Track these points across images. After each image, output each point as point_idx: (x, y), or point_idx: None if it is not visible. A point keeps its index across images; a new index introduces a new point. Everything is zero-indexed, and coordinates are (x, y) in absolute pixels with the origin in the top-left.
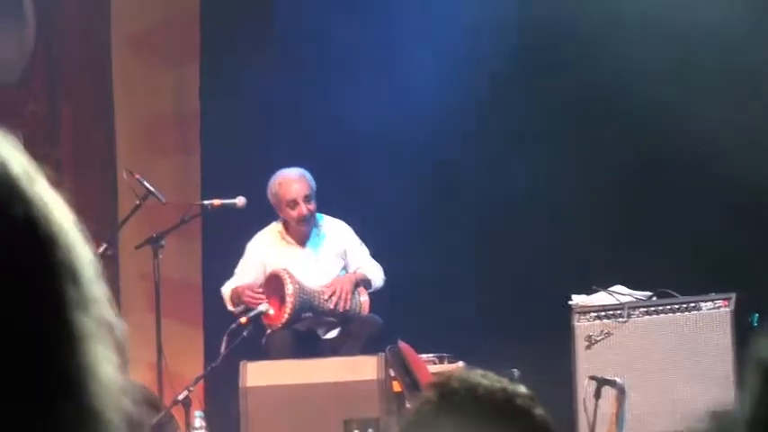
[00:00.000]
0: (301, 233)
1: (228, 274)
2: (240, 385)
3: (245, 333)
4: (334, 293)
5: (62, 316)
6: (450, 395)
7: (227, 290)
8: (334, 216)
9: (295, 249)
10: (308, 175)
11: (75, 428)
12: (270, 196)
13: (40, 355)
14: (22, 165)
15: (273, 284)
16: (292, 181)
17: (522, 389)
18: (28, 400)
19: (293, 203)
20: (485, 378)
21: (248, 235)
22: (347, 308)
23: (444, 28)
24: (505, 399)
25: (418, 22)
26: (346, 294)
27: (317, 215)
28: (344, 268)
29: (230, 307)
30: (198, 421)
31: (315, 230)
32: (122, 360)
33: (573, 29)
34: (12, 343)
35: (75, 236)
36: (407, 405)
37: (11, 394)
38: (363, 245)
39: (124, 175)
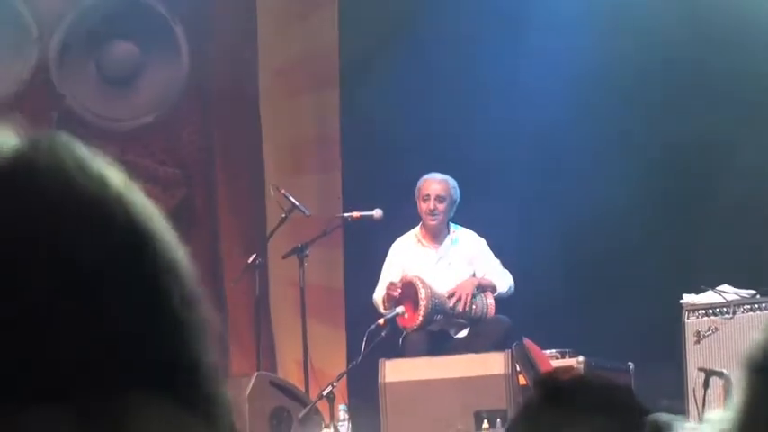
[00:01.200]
0: (435, 236)
1: (368, 279)
2: (379, 381)
3: (382, 334)
4: (455, 295)
5: (171, 311)
6: (559, 389)
7: (378, 296)
8: (471, 227)
9: (429, 252)
10: (452, 182)
11: (193, 413)
12: (415, 190)
13: (157, 345)
14: (119, 177)
15: (408, 291)
16: (434, 180)
17: (627, 384)
18: (150, 385)
19: (426, 197)
20: (596, 372)
21: (385, 244)
22: (467, 309)
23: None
24: (610, 393)
25: (544, 45)
26: (467, 296)
27: (453, 225)
28: (474, 273)
29: (382, 310)
30: (342, 414)
31: (448, 237)
32: (222, 351)
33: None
34: (130, 333)
35: (174, 240)
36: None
37: (134, 381)
38: (493, 255)
39: (271, 192)
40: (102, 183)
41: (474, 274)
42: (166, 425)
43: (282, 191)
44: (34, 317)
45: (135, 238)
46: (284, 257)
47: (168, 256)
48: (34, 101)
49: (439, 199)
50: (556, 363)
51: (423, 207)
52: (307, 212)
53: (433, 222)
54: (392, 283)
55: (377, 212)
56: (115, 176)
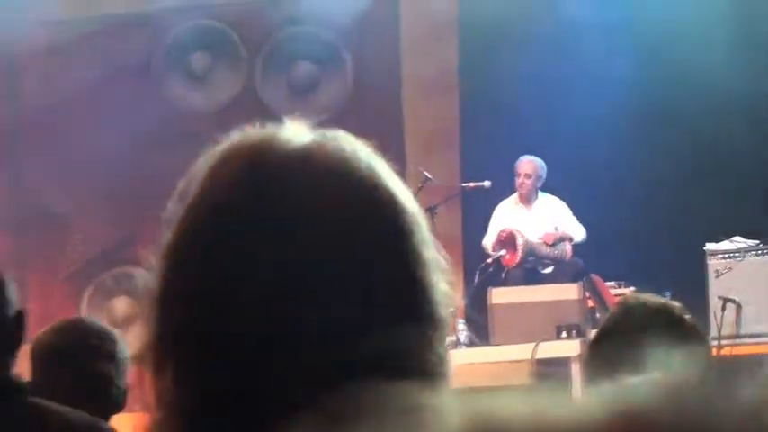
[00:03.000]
0: (526, 200)
1: (479, 231)
2: (488, 303)
3: (490, 270)
4: (543, 242)
5: (423, 264)
6: (630, 309)
7: (487, 242)
8: (556, 194)
9: (523, 211)
10: (539, 163)
11: (442, 340)
12: (514, 167)
13: (420, 292)
14: (379, 161)
15: (509, 239)
16: (526, 162)
17: (677, 303)
18: (421, 321)
19: (519, 175)
20: (651, 297)
21: (491, 205)
22: (555, 254)
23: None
24: (666, 310)
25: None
26: (551, 244)
27: (541, 192)
28: (556, 228)
29: (490, 253)
30: (460, 326)
31: (537, 200)
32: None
33: None
34: (400, 285)
35: (413, 200)
36: (597, 315)
37: (411, 317)
38: (570, 213)
39: (411, 169)
40: (368, 165)
41: (556, 228)
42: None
43: (419, 168)
44: (367, 270)
45: (395, 207)
46: None
47: (422, 230)
48: (243, 104)
49: (527, 176)
50: (614, 291)
51: (517, 181)
52: (438, 183)
53: (523, 192)
54: (498, 233)
55: (486, 183)
56: (376, 161)
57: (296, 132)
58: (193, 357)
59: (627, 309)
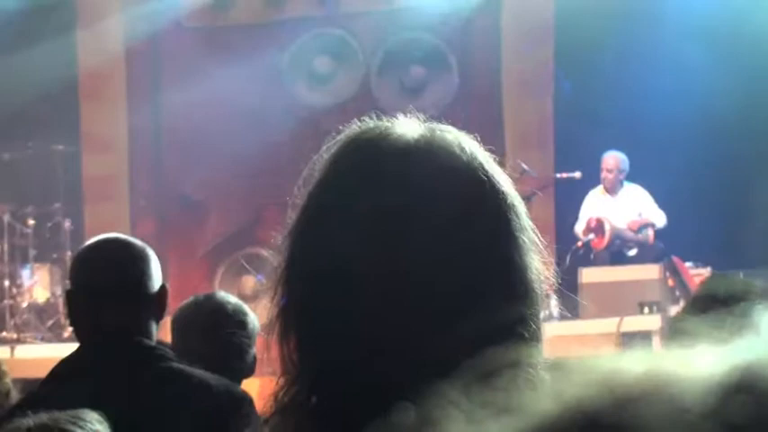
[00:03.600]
0: (612, 190)
1: (569, 215)
2: (578, 282)
3: (580, 252)
4: (628, 228)
5: (520, 246)
6: (717, 286)
7: (578, 228)
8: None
9: (609, 199)
10: (621, 157)
11: (537, 313)
12: (601, 161)
13: (516, 272)
14: (482, 152)
15: (598, 224)
16: (611, 156)
17: (754, 282)
18: (516, 297)
19: (603, 170)
20: (737, 277)
21: (581, 194)
22: (638, 238)
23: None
24: (752, 288)
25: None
26: (636, 229)
27: (627, 182)
28: (640, 214)
29: (581, 237)
30: (553, 302)
31: (622, 190)
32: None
33: None
34: (500, 265)
35: (512, 188)
36: (677, 293)
37: (509, 293)
38: (653, 201)
39: (510, 161)
40: (472, 155)
41: (639, 215)
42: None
43: (517, 160)
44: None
45: (496, 194)
46: None
47: (519, 215)
48: (360, 102)
49: (609, 170)
50: (692, 272)
51: (602, 173)
52: (534, 174)
53: (608, 183)
54: (587, 220)
55: (577, 174)
56: (479, 151)
57: (408, 126)
58: (314, 328)
59: (714, 285)
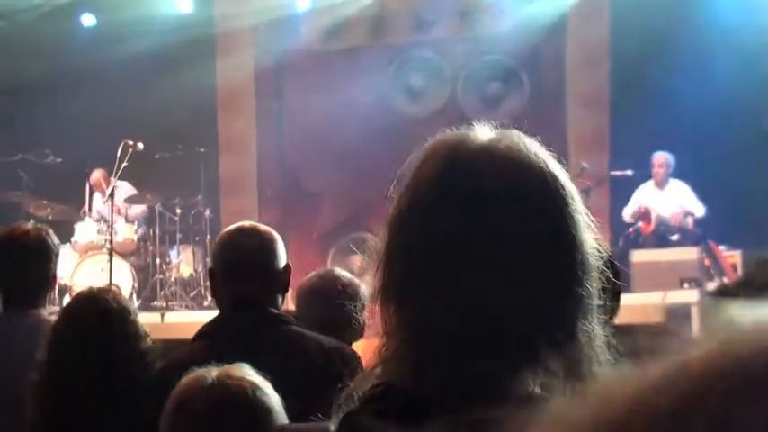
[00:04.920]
0: (659, 185)
1: (622, 206)
2: (630, 261)
3: (631, 236)
4: (672, 217)
5: (577, 225)
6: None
7: (627, 214)
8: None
9: (658, 192)
10: (668, 156)
11: (592, 280)
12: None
13: (574, 246)
14: (545, 152)
15: (645, 213)
16: (659, 156)
17: None
18: (574, 266)
19: (654, 166)
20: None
21: (632, 189)
22: (680, 224)
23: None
24: None
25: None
26: (680, 219)
27: (672, 178)
28: (682, 206)
29: (629, 220)
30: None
31: (668, 185)
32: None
33: None
34: (561, 240)
35: (567, 178)
36: (711, 271)
37: (567, 264)
38: (693, 194)
39: (572, 162)
40: (536, 153)
41: (682, 207)
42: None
43: (578, 160)
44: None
45: (556, 183)
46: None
47: (576, 201)
48: (447, 113)
49: (660, 166)
50: (725, 253)
51: (654, 169)
52: (591, 171)
53: (657, 178)
54: (637, 208)
55: (629, 172)
56: (542, 149)
57: (482, 131)
58: (409, 298)
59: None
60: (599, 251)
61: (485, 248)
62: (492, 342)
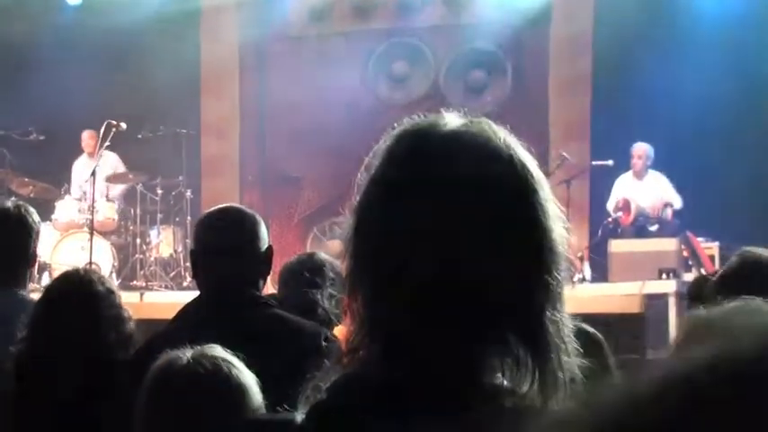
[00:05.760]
0: (638, 175)
1: (602, 197)
2: (608, 251)
3: (610, 226)
4: (650, 208)
5: (545, 212)
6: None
7: (609, 206)
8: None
9: (637, 182)
10: (647, 147)
11: (558, 269)
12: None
13: (541, 232)
14: (514, 140)
15: (625, 204)
16: (639, 147)
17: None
18: (541, 252)
19: (633, 157)
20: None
21: (612, 179)
22: (659, 215)
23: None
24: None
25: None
26: (659, 210)
27: (651, 170)
28: (661, 197)
29: (613, 213)
30: (587, 267)
31: (646, 176)
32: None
33: None
34: (528, 227)
35: (537, 167)
36: (689, 263)
37: (535, 250)
38: (672, 186)
39: (553, 151)
40: (504, 141)
41: (661, 198)
42: None
43: (559, 150)
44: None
45: (524, 171)
46: (558, 184)
47: (544, 189)
48: (430, 100)
49: (639, 156)
50: (703, 245)
51: (633, 160)
52: (572, 160)
53: (636, 169)
54: (617, 200)
55: (610, 162)
56: (510, 137)
57: (451, 119)
58: (376, 287)
59: (743, 259)
60: (567, 239)
61: (451, 234)
62: (459, 330)
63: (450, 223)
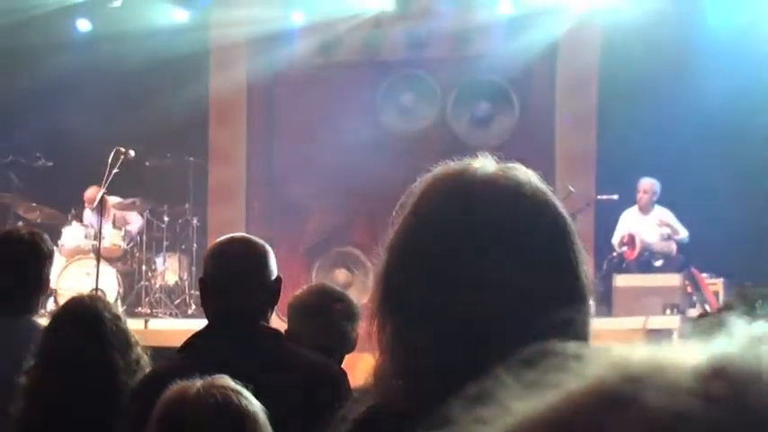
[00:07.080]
0: (644, 210)
1: (607, 231)
2: (612, 285)
3: (615, 261)
4: (656, 243)
5: (577, 254)
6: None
7: (614, 241)
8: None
9: (642, 217)
10: (654, 182)
11: (588, 309)
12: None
13: (577, 274)
14: (544, 185)
15: (630, 239)
16: (645, 182)
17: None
18: (576, 293)
19: (639, 191)
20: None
21: (617, 213)
22: (664, 250)
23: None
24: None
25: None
26: (664, 245)
27: (657, 205)
28: (667, 232)
29: (617, 249)
30: (591, 301)
31: (652, 211)
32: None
33: None
34: (565, 269)
35: (565, 210)
36: (694, 298)
37: (572, 291)
38: (677, 221)
39: (558, 184)
40: (537, 186)
41: (667, 233)
42: None
43: (565, 183)
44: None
45: (557, 215)
46: None
47: (574, 232)
48: (437, 131)
49: (645, 191)
50: (708, 281)
51: (639, 194)
52: (578, 194)
53: (642, 204)
54: (622, 235)
55: (615, 196)
56: (541, 182)
57: (485, 163)
58: (406, 322)
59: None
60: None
61: (486, 278)
62: (488, 370)
63: (485, 268)
